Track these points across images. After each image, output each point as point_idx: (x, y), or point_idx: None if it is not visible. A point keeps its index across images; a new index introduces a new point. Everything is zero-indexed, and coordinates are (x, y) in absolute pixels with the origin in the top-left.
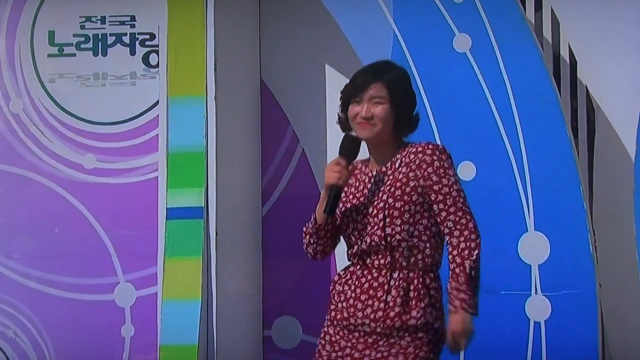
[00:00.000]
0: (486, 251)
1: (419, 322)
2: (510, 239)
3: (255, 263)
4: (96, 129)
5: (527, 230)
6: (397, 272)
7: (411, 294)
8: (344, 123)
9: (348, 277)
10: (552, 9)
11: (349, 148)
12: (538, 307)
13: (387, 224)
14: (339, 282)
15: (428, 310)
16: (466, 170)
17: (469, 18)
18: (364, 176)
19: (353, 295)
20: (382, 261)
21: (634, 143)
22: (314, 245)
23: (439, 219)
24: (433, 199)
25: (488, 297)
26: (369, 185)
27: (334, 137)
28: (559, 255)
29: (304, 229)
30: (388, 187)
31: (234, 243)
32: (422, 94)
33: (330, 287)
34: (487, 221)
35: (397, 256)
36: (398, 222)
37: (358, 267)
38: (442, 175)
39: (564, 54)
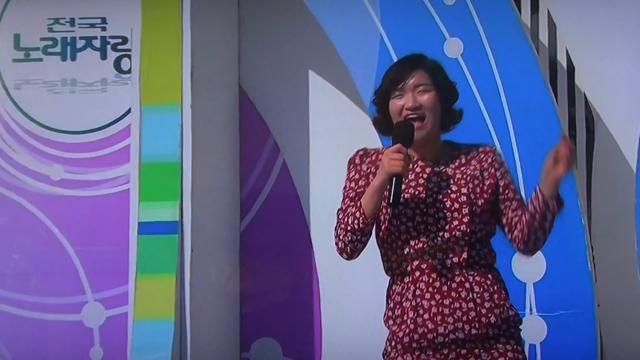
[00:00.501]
0: None
1: (512, 314)
2: (503, 254)
3: (232, 281)
4: (64, 139)
5: None
6: (473, 269)
7: (492, 289)
8: (383, 125)
9: (413, 288)
10: (548, 12)
11: (403, 134)
12: (533, 328)
13: (472, 219)
14: (401, 297)
15: (510, 303)
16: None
17: (460, 21)
18: (413, 165)
19: (433, 302)
20: (455, 259)
21: (635, 154)
22: (355, 243)
23: (510, 212)
24: (510, 196)
25: None
26: (424, 175)
27: (317, 147)
28: (555, 273)
29: (341, 226)
30: (464, 182)
31: (210, 260)
32: None
33: (388, 313)
34: None
35: (473, 253)
36: (478, 219)
37: (418, 273)
38: (507, 172)
39: (561, 58)
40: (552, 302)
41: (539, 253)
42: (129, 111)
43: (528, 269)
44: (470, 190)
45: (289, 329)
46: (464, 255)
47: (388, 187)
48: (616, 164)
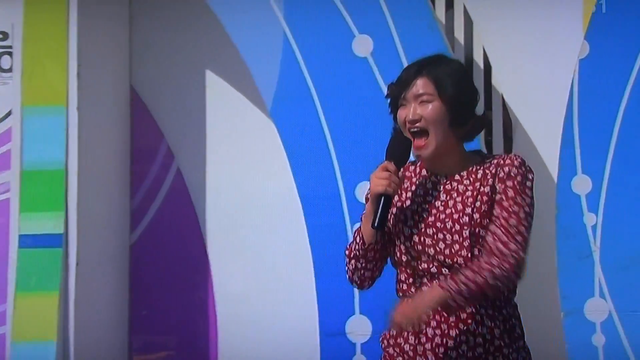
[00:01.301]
0: (391, 283)
1: (523, 355)
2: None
3: (121, 298)
4: None
5: None
6: (486, 300)
7: (506, 325)
8: (400, 132)
9: None
10: (464, 7)
11: (398, 151)
12: None
13: (474, 242)
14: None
15: (524, 343)
16: (364, 192)
17: (370, 17)
18: (421, 180)
19: (438, 332)
20: None
21: (556, 161)
22: (362, 271)
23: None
24: (496, 214)
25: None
26: (433, 193)
27: (214, 152)
28: None
29: (346, 252)
30: (472, 201)
31: (97, 275)
32: (317, 103)
33: (387, 333)
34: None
35: None
36: (466, 242)
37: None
38: (520, 192)
39: (478, 57)
40: None
41: None
42: (9, 113)
43: None
44: (475, 209)
45: (183, 350)
46: None
47: (375, 207)
48: (536, 171)
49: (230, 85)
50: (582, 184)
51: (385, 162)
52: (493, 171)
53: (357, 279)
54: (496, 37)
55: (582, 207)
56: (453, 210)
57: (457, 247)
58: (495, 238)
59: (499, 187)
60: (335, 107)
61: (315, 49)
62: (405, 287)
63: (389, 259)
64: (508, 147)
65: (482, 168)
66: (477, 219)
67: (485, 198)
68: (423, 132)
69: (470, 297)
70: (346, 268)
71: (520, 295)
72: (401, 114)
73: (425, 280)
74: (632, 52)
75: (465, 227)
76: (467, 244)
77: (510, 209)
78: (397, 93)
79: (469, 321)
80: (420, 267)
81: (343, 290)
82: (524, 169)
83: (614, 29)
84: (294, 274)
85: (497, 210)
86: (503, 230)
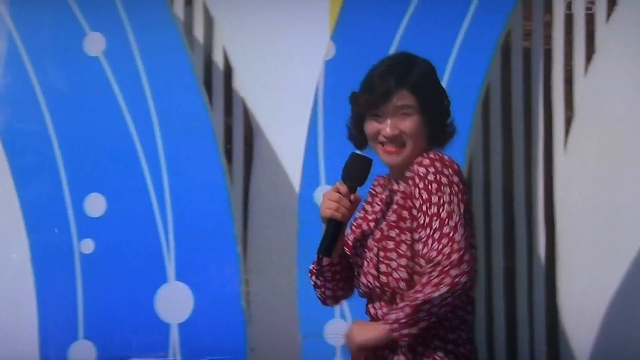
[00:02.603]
0: (119, 305)
1: None
2: (146, 290)
3: None
4: None
5: (167, 281)
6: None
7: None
8: (359, 140)
9: None
10: (204, 3)
11: (355, 171)
12: None
13: (381, 259)
14: None
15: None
16: (94, 205)
17: (103, 14)
18: (385, 192)
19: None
20: (382, 311)
21: (299, 171)
22: (322, 289)
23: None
24: (420, 222)
25: None
26: (384, 207)
27: None
28: (204, 312)
29: (311, 267)
30: (388, 212)
31: None
32: (43, 106)
33: None
34: (118, 267)
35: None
36: (394, 255)
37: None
38: (435, 191)
39: (218, 58)
40: (198, 345)
41: (187, 289)
42: None
43: (173, 307)
44: (385, 220)
45: None
46: (385, 309)
47: (324, 232)
48: (278, 182)
49: None
50: None
51: (338, 183)
52: (409, 174)
53: (319, 295)
54: (238, 37)
55: None
56: (376, 224)
57: (394, 264)
58: (425, 249)
59: (415, 192)
60: (64, 110)
61: (42, 47)
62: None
63: None
64: (248, 155)
65: (409, 172)
66: (385, 230)
67: (396, 207)
68: (400, 145)
69: (412, 323)
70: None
71: (256, 321)
72: (375, 126)
73: (368, 304)
74: (380, 53)
75: (376, 243)
76: (405, 262)
77: (429, 213)
78: (373, 106)
79: (385, 349)
80: (360, 290)
81: None
82: (435, 168)
83: (360, 28)
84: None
85: (421, 219)
86: (428, 239)
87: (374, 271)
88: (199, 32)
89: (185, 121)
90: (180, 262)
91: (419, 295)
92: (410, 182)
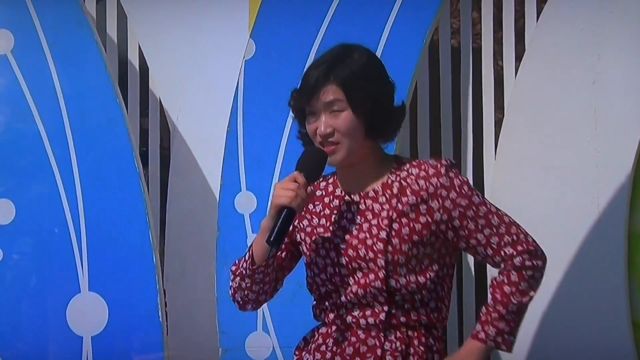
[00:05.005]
0: (28, 317)
1: None
2: (57, 302)
3: None
4: None
5: (79, 291)
6: (393, 331)
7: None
8: (309, 141)
9: (320, 341)
10: None
11: (311, 163)
12: None
13: (393, 272)
14: (306, 349)
15: None
16: (2, 211)
17: (11, 10)
18: (334, 200)
19: None
20: (372, 319)
21: (219, 176)
22: (245, 292)
23: (473, 247)
24: (464, 225)
25: None
26: (348, 215)
27: None
28: (120, 324)
29: (233, 268)
30: (387, 223)
31: None
32: None
33: (294, 359)
34: (28, 277)
35: (394, 312)
36: (404, 270)
37: (334, 327)
38: (469, 194)
39: (133, 57)
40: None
41: (100, 300)
42: None
43: (86, 319)
44: (393, 234)
45: None
46: (383, 315)
47: (275, 220)
48: (197, 188)
49: None
50: (246, 202)
51: (295, 172)
52: (416, 187)
53: (239, 299)
54: (153, 34)
55: (246, 228)
56: (367, 235)
57: (372, 276)
58: (498, 245)
59: (436, 205)
60: None
61: None
62: (329, 318)
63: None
64: (165, 159)
65: (397, 180)
66: (396, 245)
67: (405, 220)
68: (335, 144)
69: (515, 326)
70: (230, 284)
71: (174, 330)
72: (311, 125)
73: (351, 311)
74: (302, 52)
75: (380, 255)
76: (383, 274)
77: (480, 214)
78: (304, 102)
79: (369, 354)
80: (340, 300)
81: None
82: (453, 173)
83: (281, 25)
84: None
85: (470, 225)
86: (496, 235)
87: (380, 283)
88: (112, 30)
89: (98, 123)
90: (93, 272)
91: (518, 298)
92: (424, 194)
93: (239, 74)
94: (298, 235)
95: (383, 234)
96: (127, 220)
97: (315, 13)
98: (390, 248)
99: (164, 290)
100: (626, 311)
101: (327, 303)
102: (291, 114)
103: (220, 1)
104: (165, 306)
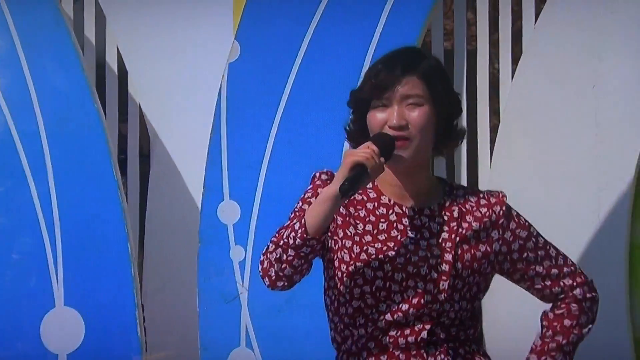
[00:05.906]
0: (2, 334)
1: None
2: (31, 317)
3: None
4: None
5: (54, 306)
6: (434, 348)
7: None
8: (359, 138)
9: None
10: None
11: (383, 142)
12: None
13: (452, 297)
14: None
15: None
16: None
17: None
18: (380, 207)
19: None
20: (411, 338)
21: (201, 184)
22: (283, 265)
23: (530, 279)
24: (524, 256)
25: None
26: (399, 226)
27: None
28: (96, 340)
29: (273, 239)
30: (450, 245)
31: None
32: None
33: None
34: (3, 291)
35: (435, 329)
36: (458, 295)
37: (365, 353)
38: (527, 225)
39: (111, 60)
40: None
41: (76, 315)
42: None
43: (61, 335)
44: (457, 258)
45: None
46: (423, 334)
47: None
48: (178, 197)
49: None
50: (229, 212)
51: (369, 142)
52: (478, 214)
53: (273, 274)
54: (133, 37)
55: (230, 239)
56: (428, 254)
57: (429, 298)
58: (558, 277)
59: (497, 235)
60: None
61: None
62: (362, 341)
63: (326, 302)
64: (144, 167)
65: (456, 205)
66: (459, 270)
67: (466, 246)
68: (406, 139)
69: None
70: (264, 260)
71: (154, 346)
72: (379, 116)
73: (390, 332)
74: (288, 55)
75: (445, 278)
76: (444, 297)
77: (539, 245)
78: (374, 95)
79: None
80: (382, 317)
81: None
82: (509, 206)
83: (267, 27)
84: None
85: (529, 256)
86: (555, 266)
87: (449, 306)
88: (90, 31)
89: (75, 129)
90: (69, 285)
91: (578, 330)
92: (487, 222)
93: (223, 77)
94: (331, 241)
95: (448, 257)
96: (104, 232)
97: (304, 13)
98: (455, 272)
99: (142, 305)
100: (627, 327)
101: (358, 322)
102: (278, 118)
103: (203, 2)
104: (144, 321)
